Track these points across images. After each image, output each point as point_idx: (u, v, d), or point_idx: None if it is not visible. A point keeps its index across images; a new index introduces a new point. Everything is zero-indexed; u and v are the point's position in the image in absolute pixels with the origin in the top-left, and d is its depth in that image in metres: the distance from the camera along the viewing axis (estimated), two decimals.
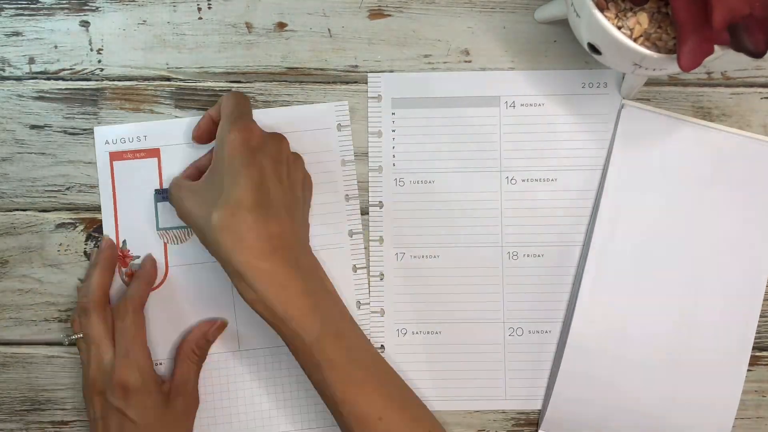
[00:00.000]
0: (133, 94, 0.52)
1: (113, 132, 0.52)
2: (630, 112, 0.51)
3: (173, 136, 0.52)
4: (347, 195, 0.52)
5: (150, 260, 0.51)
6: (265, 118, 0.51)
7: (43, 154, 0.52)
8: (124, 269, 0.52)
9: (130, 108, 0.52)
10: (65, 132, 0.52)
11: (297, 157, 0.49)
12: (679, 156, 0.51)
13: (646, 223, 0.51)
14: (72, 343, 0.50)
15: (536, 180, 0.52)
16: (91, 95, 0.52)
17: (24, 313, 0.53)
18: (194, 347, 0.50)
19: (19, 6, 0.52)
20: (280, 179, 0.45)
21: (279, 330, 0.43)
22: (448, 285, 0.52)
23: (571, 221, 0.52)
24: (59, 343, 0.53)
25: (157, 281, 0.51)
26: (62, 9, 0.52)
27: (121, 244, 0.51)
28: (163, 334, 0.51)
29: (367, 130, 0.52)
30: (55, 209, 0.52)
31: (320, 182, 0.52)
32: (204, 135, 0.50)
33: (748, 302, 0.51)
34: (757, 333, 0.51)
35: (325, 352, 0.43)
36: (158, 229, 0.52)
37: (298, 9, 0.52)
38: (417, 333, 0.52)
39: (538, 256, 0.52)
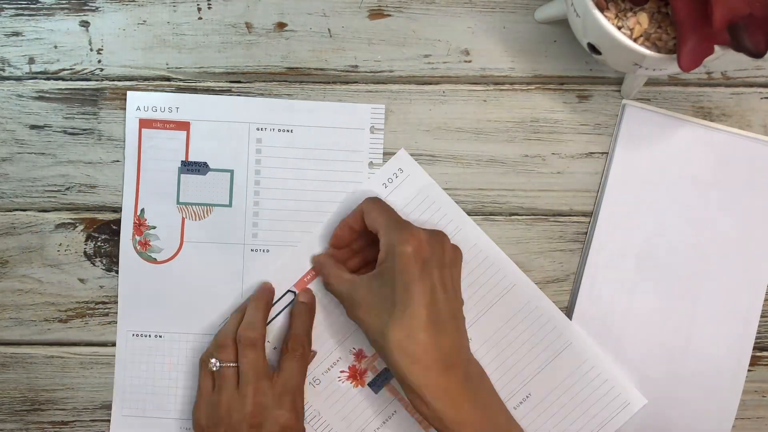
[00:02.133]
0: None
1: (146, 99, 0.52)
2: (631, 112, 0.51)
3: (205, 112, 0.52)
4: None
5: (308, 295, 0.52)
6: (293, 110, 0.52)
7: (43, 154, 0.52)
8: (138, 237, 0.52)
9: None
10: (65, 132, 0.52)
11: (456, 251, 0.48)
12: (679, 156, 0.51)
13: (646, 222, 0.51)
14: (211, 368, 0.49)
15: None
16: (91, 95, 0.52)
17: (24, 313, 0.53)
18: (305, 340, 0.50)
19: (19, 6, 0.52)
20: (445, 287, 0.45)
21: None
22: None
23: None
24: (59, 343, 0.53)
25: (172, 252, 0.52)
26: (62, 9, 0.52)
27: (138, 212, 0.52)
28: (169, 308, 0.52)
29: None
30: (55, 209, 0.52)
31: (343, 181, 0.52)
32: (342, 244, 0.50)
33: (748, 302, 0.51)
34: (757, 333, 0.51)
35: None
36: (178, 203, 0.52)
37: (298, 9, 0.52)
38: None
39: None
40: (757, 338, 0.51)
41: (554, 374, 0.51)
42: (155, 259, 0.52)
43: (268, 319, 0.51)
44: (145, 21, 0.52)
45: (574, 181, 0.52)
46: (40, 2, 0.52)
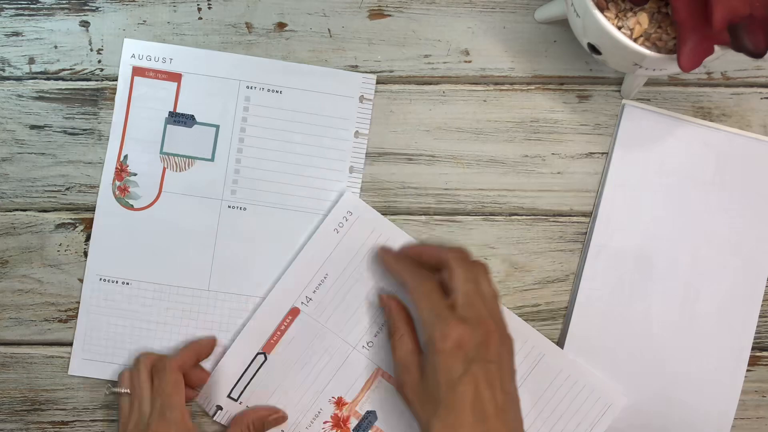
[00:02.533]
0: None
1: (142, 47, 0.52)
2: (630, 111, 0.51)
3: (198, 66, 0.52)
4: (352, 167, 0.52)
5: (212, 340, 0.51)
6: (286, 72, 0.52)
7: (43, 154, 0.52)
8: (117, 182, 0.52)
9: None
10: (65, 132, 0.52)
11: (504, 343, 0.45)
12: (679, 156, 0.51)
13: (645, 222, 0.51)
14: (113, 393, 0.50)
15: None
16: (91, 95, 0.52)
17: (24, 313, 0.53)
18: (251, 424, 0.49)
19: (19, 6, 0.52)
20: (492, 384, 0.43)
21: None
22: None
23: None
24: (59, 343, 0.53)
25: (149, 200, 0.52)
26: (62, 9, 0.52)
27: (122, 158, 0.52)
28: (139, 256, 0.52)
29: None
30: (55, 209, 0.52)
31: (328, 147, 0.52)
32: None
33: (748, 302, 0.51)
34: (757, 333, 0.51)
35: None
36: (162, 152, 0.52)
37: (298, 9, 0.52)
38: None
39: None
40: (756, 338, 0.51)
41: (534, 388, 0.51)
42: (132, 205, 0.52)
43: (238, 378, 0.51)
44: (145, 21, 0.52)
45: (574, 181, 0.52)
46: (40, 2, 0.52)
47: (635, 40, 0.42)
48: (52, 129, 0.52)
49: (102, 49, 0.52)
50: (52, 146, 0.52)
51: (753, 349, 0.51)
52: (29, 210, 0.52)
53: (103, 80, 0.52)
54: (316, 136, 0.52)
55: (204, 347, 0.51)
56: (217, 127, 0.52)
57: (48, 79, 0.52)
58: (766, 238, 0.51)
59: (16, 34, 0.52)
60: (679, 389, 0.51)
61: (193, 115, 0.52)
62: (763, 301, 0.51)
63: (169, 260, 0.52)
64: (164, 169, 0.52)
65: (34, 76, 0.52)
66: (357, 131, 0.52)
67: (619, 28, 0.42)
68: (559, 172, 0.52)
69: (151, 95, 0.52)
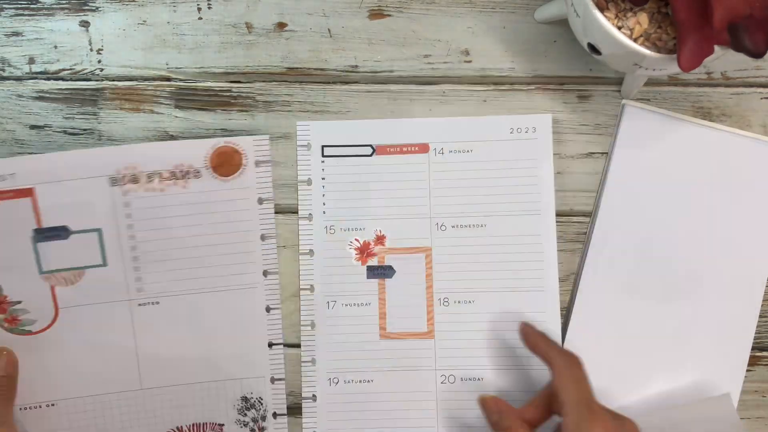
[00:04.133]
0: (133, 95, 0.52)
1: None
2: (630, 111, 0.51)
3: (49, 173, 0.48)
4: (263, 235, 0.51)
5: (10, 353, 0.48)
6: (145, 152, 0.50)
7: (43, 154, 0.52)
8: (2, 315, 0.49)
9: (129, 108, 0.52)
10: (65, 132, 0.52)
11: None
12: (679, 156, 0.51)
13: (645, 222, 0.51)
14: None
15: (465, 226, 0.51)
16: (91, 95, 0.52)
17: None
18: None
19: (19, 6, 0.52)
20: None
21: None
22: (378, 333, 0.51)
23: (500, 267, 0.51)
24: None
25: (47, 321, 0.49)
26: (62, 9, 0.52)
27: None
28: (56, 375, 0.49)
29: (297, 178, 0.52)
30: None
31: (234, 220, 0.50)
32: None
33: (748, 302, 0.51)
34: (757, 333, 0.51)
35: None
36: (41, 272, 0.48)
37: (298, 9, 0.52)
38: (349, 382, 0.51)
39: (469, 302, 0.51)
40: (756, 338, 0.51)
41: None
42: (30, 330, 0.49)
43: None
44: (145, 21, 0.52)
45: (574, 181, 0.52)
46: (40, 2, 0.52)
47: (635, 40, 0.42)
48: (52, 129, 0.52)
49: (102, 49, 0.52)
50: (52, 146, 0.52)
51: (753, 349, 0.51)
52: None
53: (103, 80, 0.52)
54: (225, 223, 0.50)
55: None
56: (99, 230, 0.49)
57: (48, 79, 0.52)
58: (766, 238, 0.51)
59: (16, 34, 0.52)
60: (679, 389, 0.51)
61: (65, 226, 0.48)
62: (763, 301, 0.51)
63: (90, 372, 0.49)
64: (52, 287, 0.48)
65: (34, 76, 0.52)
66: (260, 198, 0.51)
67: (619, 28, 0.42)
68: (559, 172, 0.52)
69: (4, 218, 0.48)
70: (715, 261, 0.51)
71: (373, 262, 0.51)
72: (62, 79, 0.52)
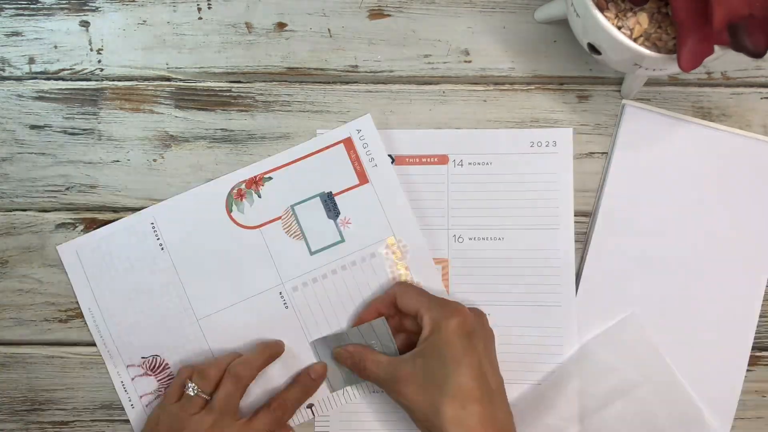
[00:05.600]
0: (133, 94, 0.52)
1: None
2: (630, 111, 0.51)
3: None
4: None
5: (320, 371, 0.51)
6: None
7: (43, 154, 0.52)
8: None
9: (129, 108, 0.52)
10: (65, 132, 0.52)
11: (491, 330, 0.48)
12: (679, 156, 0.51)
13: (646, 222, 0.51)
14: (186, 390, 0.48)
15: (483, 239, 0.51)
16: (91, 95, 0.52)
17: (24, 313, 0.53)
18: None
19: (19, 6, 0.52)
20: (491, 360, 0.46)
21: None
22: None
23: (516, 280, 0.51)
24: (59, 343, 0.53)
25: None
26: (62, 9, 0.52)
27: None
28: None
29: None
30: (55, 209, 0.52)
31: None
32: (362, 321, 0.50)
33: (748, 302, 0.51)
34: (757, 333, 0.51)
35: None
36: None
37: (298, 9, 0.52)
38: None
39: (485, 314, 0.50)
40: (756, 338, 0.51)
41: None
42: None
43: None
44: (145, 21, 0.52)
45: (574, 181, 0.52)
46: (40, 2, 0.52)
47: (635, 40, 0.42)
48: (52, 129, 0.52)
49: (102, 49, 0.52)
50: (52, 146, 0.52)
51: (753, 349, 0.51)
52: (29, 210, 0.52)
53: (103, 80, 0.52)
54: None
55: (275, 349, 0.50)
56: None
57: (48, 79, 0.52)
58: (766, 238, 0.51)
59: (16, 34, 0.52)
60: (679, 389, 0.51)
61: None
62: (763, 301, 0.51)
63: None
64: None
65: (34, 76, 0.52)
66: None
67: (619, 28, 0.42)
68: None
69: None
70: (714, 261, 0.51)
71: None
72: (62, 79, 0.52)
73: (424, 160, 0.52)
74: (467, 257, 0.51)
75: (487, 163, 0.51)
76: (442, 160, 0.52)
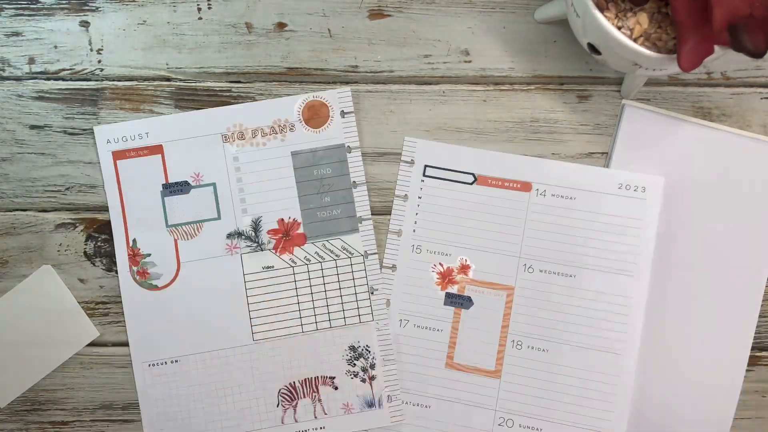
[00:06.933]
0: (133, 94, 0.52)
1: (114, 131, 0.52)
2: (630, 111, 0.51)
3: (175, 132, 0.52)
4: (354, 182, 0.52)
5: None
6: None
7: (43, 154, 0.52)
8: (135, 267, 0.51)
9: (129, 108, 0.52)
10: (65, 132, 0.52)
11: None
12: (679, 156, 0.51)
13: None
14: None
15: (554, 273, 0.51)
16: (91, 95, 0.52)
17: None
18: None
19: (19, 6, 0.52)
20: None
21: None
22: (444, 360, 0.51)
23: (582, 321, 0.50)
24: None
25: (171, 276, 0.51)
26: (62, 9, 0.52)
27: (131, 244, 0.51)
28: (178, 331, 0.51)
29: (395, 192, 0.52)
30: (55, 209, 0.52)
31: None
32: None
33: (748, 302, 0.51)
34: (757, 333, 0.51)
35: None
36: (167, 226, 0.52)
37: (298, 9, 0.52)
38: (407, 403, 0.51)
39: (543, 350, 0.50)
40: (756, 338, 0.51)
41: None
42: (156, 285, 0.52)
43: None
44: (145, 21, 0.52)
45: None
46: (40, 2, 0.52)
47: (635, 40, 0.42)
48: (52, 129, 0.52)
49: (102, 49, 0.52)
50: (52, 146, 0.52)
51: (753, 349, 0.51)
52: (29, 210, 0.52)
53: (103, 80, 0.52)
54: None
55: None
56: (214, 184, 0.52)
57: (48, 79, 0.52)
58: (766, 238, 0.51)
59: (16, 34, 0.52)
60: (678, 389, 0.51)
61: (186, 181, 0.52)
62: (763, 301, 0.51)
63: (208, 326, 0.51)
64: (175, 241, 0.52)
65: (34, 76, 0.52)
66: (354, 182, 0.52)
67: (619, 28, 0.42)
68: None
69: (140, 174, 0.52)
70: (714, 261, 0.51)
71: (453, 289, 0.51)
72: (62, 79, 0.52)
73: (507, 184, 0.51)
74: (535, 288, 0.51)
75: (571, 198, 0.51)
76: (525, 187, 0.51)
